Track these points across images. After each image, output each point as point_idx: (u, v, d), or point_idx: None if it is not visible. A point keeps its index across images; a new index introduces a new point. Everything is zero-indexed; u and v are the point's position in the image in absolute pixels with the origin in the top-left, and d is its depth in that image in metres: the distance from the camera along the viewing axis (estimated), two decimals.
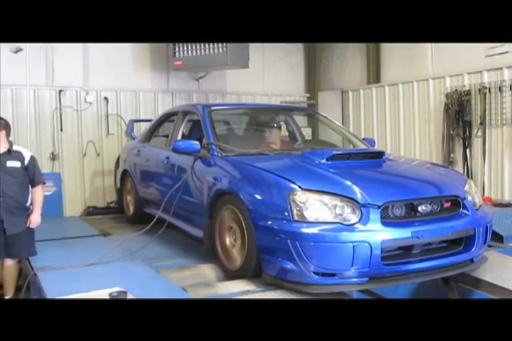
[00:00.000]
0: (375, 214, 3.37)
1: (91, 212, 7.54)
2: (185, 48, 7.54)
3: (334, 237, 3.30)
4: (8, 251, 4.35)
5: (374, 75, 8.62)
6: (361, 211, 3.37)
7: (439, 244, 3.66)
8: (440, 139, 7.37)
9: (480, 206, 3.97)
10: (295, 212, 3.38)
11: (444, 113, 7.26)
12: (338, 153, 4.12)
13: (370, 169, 4.05)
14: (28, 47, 7.06)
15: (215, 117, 4.98)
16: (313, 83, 9.71)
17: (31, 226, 4.38)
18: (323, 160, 3.96)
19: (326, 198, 3.40)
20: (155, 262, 4.36)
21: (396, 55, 8.23)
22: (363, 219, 3.35)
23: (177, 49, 7.59)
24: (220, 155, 4.38)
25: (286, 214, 3.41)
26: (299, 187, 3.45)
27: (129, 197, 6.45)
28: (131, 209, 6.36)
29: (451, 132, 7.16)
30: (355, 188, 3.48)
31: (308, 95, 9.73)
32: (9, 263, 4.45)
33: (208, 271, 4.16)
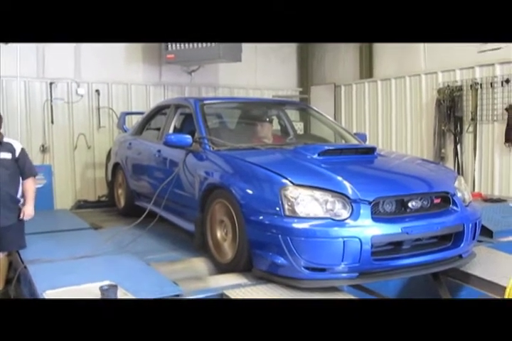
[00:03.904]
0: (365, 210, 3.38)
1: (82, 205, 7.51)
2: None
3: (325, 232, 3.32)
4: None
5: (367, 70, 8.62)
6: (352, 206, 3.39)
7: (428, 240, 3.68)
8: (431, 134, 7.40)
9: (469, 202, 4.00)
10: (286, 207, 3.39)
11: (436, 108, 7.28)
12: (330, 148, 4.13)
13: (362, 165, 4.05)
14: None
15: (208, 111, 4.97)
16: (305, 77, 9.70)
17: (25, 218, 4.36)
18: (315, 156, 3.97)
19: (318, 193, 3.41)
20: (146, 255, 4.36)
21: (389, 49, 8.22)
22: (354, 215, 3.37)
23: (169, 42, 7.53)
24: (211, 149, 4.37)
25: (277, 209, 3.42)
26: (291, 182, 3.46)
27: (120, 190, 6.44)
28: (122, 202, 6.35)
29: (443, 127, 7.19)
30: (347, 184, 3.49)
31: (301, 89, 9.72)
32: None
33: (199, 264, 4.17)
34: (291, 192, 3.41)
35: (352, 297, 3.36)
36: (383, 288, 3.95)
